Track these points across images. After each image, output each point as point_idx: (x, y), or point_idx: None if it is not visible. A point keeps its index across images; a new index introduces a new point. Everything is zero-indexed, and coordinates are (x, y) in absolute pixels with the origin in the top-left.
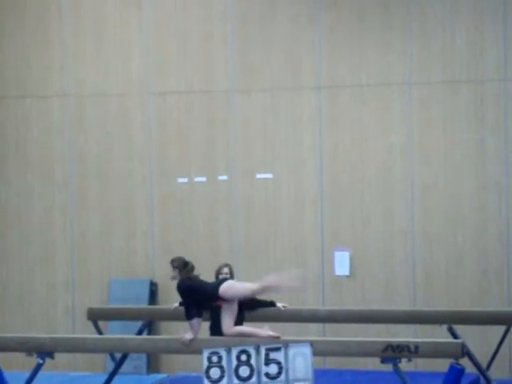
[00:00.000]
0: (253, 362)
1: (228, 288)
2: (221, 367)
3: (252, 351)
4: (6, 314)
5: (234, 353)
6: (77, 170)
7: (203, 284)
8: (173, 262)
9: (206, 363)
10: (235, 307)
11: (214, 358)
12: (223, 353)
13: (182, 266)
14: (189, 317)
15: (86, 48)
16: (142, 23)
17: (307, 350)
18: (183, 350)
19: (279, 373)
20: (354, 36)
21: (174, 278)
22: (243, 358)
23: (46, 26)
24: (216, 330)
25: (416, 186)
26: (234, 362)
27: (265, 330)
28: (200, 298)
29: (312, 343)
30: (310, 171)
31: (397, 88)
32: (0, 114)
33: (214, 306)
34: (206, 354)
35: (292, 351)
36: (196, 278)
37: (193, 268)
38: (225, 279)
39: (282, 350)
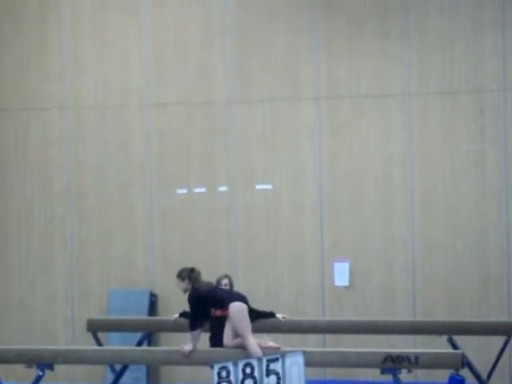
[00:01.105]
0: (256, 374)
1: (238, 314)
2: (229, 382)
3: (255, 363)
4: (6, 326)
5: (240, 366)
6: (76, 181)
7: (216, 290)
8: (179, 274)
9: (216, 379)
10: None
11: (223, 373)
12: (231, 367)
13: (190, 274)
14: (192, 327)
15: (84, 59)
16: (141, 34)
17: (300, 359)
18: (183, 361)
19: (278, 383)
20: (353, 46)
21: (186, 290)
22: (248, 370)
23: (45, 38)
24: (216, 341)
25: (415, 196)
26: (240, 376)
27: (265, 340)
28: (209, 304)
29: (304, 352)
30: (310, 181)
31: (396, 98)
32: None
33: (213, 317)
34: (216, 369)
35: (288, 361)
36: (207, 285)
37: (199, 272)
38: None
39: (280, 361)
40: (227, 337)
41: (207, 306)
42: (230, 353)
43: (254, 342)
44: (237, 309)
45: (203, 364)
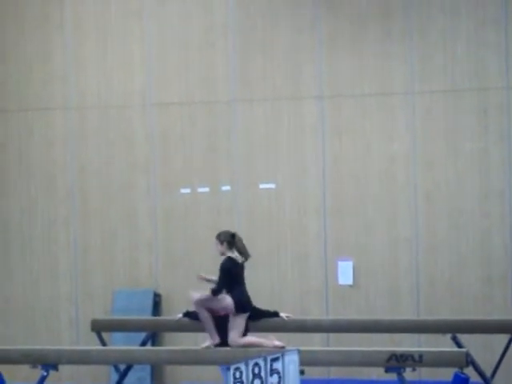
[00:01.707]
0: (262, 373)
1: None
2: (241, 382)
3: (261, 363)
4: (10, 327)
5: (250, 366)
6: (79, 182)
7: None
8: (219, 236)
9: (231, 380)
10: (242, 320)
11: (237, 374)
12: (243, 367)
13: (230, 239)
14: (216, 293)
15: (87, 60)
16: (143, 35)
17: (296, 358)
18: (187, 360)
19: (279, 382)
20: (356, 45)
21: (222, 253)
22: (256, 370)
23: (48, 39)
24: (226, 339)
25: (419, 195)
26: (250, 376)
27: (270, 339)
28: (236, 280)
29: (299, 351)
30: (313, 181)
31: (399, 97)
32: (2, 128)
33: (217, 316)
34: (231, 370)
35: (287, 359)
36: (241, 267)
37: (241, 239)
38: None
39: (281, 360)
40: (234, 336)
41: (234, 280)
42: (233, 352)
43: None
44: (225, 305)
45: (207, 364)
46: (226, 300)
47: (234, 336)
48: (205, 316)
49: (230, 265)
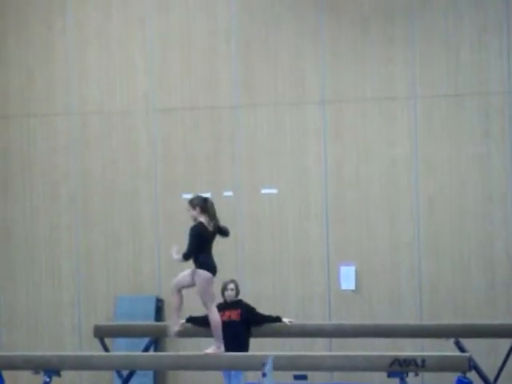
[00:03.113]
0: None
1: (204, 282)
2: None
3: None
4: (13, 332)
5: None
6: (82, 187)
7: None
8: (191, 201)
9: None
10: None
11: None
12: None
13: (202, 204)
14: (187, 257)
15: (90, 66)
16: (146, 40)
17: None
18: (190, 366)
19: None
20: (358, 50)
21: (195, 218)
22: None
23: (50, 44)
24: (228, 345)
25: (421, 199)
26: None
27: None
28: (207, 243)
29: (273, 358)
30: (315, 185)
31: (401, 101)
32: (5, 133)
33: (224, 322)
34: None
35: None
36: (212, 231)
37: (212, 204)
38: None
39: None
40: (210, 303)
41: (202, 245)
42: (237, 358)
43: (215, 309)
44: (203, 278)
45: (210, 369)
46: (203, 277)
47: (208, 300)
48: (216, 324)
49: (200, 229)
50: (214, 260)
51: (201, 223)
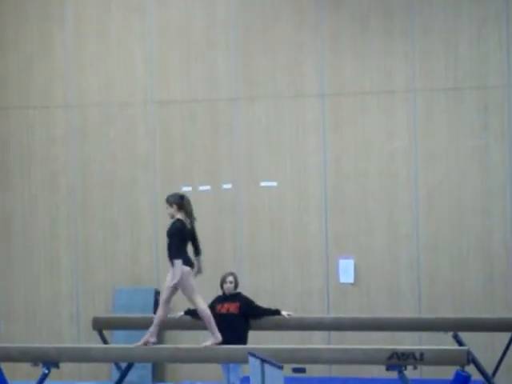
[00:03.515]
0: None
1: (183, 281)
2: None
3: None
4: (11, 324)
5: None
6: (81, 179)
7: (194, 234)
8: (168, 199)
9: None
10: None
11: None
12: None
13: (179, 201)
14: (177, 256)
15: (88, 57)
16: (145, 32)
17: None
18: (188, 359)
19: None
20: (357, 43)
21: (173, 216)
22: None
23: (49, 36)
24: (226, 338)
25: (420, 192)
26: None
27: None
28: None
29: (249, 352)
30: (314, 178)
31: (400, 95)
32: (3, 125)
33: (219, 314)
34: None
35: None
36: (190, 228)
37: (189, 201)
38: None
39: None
40: (190, 293)
41: (179, 240)
42: (235, 350)
43: (200, 300)
44: (182, 272)
45: (209, 362)
46: (183, 272)
47: (190, 293)
48: (205, 314)
49: (180, 226)
50: (190, 256)
51: (179, 220)
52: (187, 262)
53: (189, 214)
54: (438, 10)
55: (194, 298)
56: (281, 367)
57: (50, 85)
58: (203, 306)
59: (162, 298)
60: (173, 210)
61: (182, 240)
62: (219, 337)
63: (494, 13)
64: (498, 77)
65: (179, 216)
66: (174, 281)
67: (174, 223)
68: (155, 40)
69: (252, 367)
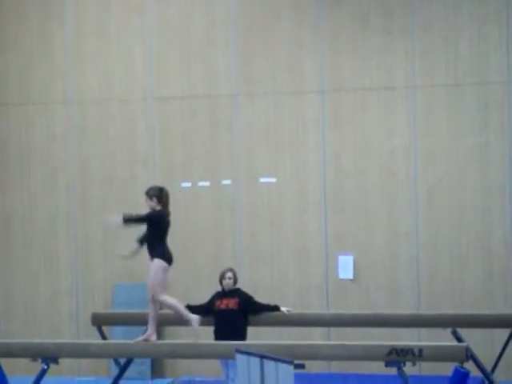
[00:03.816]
0: None
1: (155, 269)
2: None
3: None
4: (11, 320)
5: None
6: (80, 176)
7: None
8: (148, 192)
9: None
10: (165, 273)
11: None
12: None
13: (159, 193)
14: (126, 221)
15: (88, 54)
16: (144, 29)
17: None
18: (187, 354)
19: None
20: (357, 40)
21: (153, 208)
22: None
23: (49, 33)
24: (220, 334)
25: (420, 190)
26: None
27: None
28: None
29: (236, 349)
30: (314, 175)
31: (400, 91)
32: (3, 122)
33: (218, 310)
34: None
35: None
36: (167, 218)
37: (167, 194)
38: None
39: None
40: (157, 288)
41: (163, 232)
42: (233, 346)
43: (166, 297)
44: (158, 266)
45: (208, 357)
46: (158, 265)
47: (157, 289)
48: (170, 302)
49: (161, 215)
50: (170, 249)
51: (160, 210)
52: (165, 257)
53: (165, 205)
54: (438, 8)
55: (159, 297)
56: (292, 363)
57: (50, 82)
58: (171, 301)
59: (150, 297)
60: (153, 203)
61: (161, 229)
62: (154, 336)
63: (495, 10)
64: (498, 74)
65: (159, 208)
66: (154, 283)
67: (155, 211)
68: (155, 37)
69: (242, 364)
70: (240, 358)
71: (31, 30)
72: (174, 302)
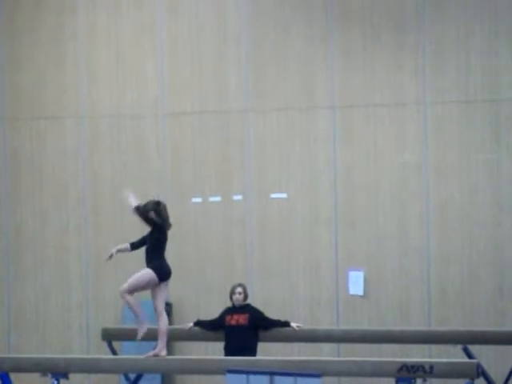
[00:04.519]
0: None
1: (142, 274)
2: None
3: None
4: (21, 335)
5: None
6: (91, 191)
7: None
8: (145, 207)
9: None
10: (165, 288)
11: None
12: None
13: (156, 207)
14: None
15: (100, 69)
16: (156, 45)
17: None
18: (198, 370)
19: None
20: (368, 56)
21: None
22: None
23: (61, 48)
24: (231, 350)
25: (431, 206)
26: None
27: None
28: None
29: (228, 370)
30: (325, 190)
31: (411, 108)
32: (15, 136)
33: (228, 326)
34: None
35: None
36: (166, 237)
37: (165, 207)
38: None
39: None
40: (159, 304)
41: (161, 245)
42: (243, 362)
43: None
44: (149, 278)
45: (217, 373)
46: (148, 274)
47: (160, 304)
48: (131, 301)
49: (165, 227)
50: (168, 263)
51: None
52: (162, 272)
53: (165, 219)
54: (450, 24)
55: (126, 295)
56: (320, 376)
57: (62, 96)
58: (133, 302)
59: (158, 309)
60: (153, 217)
61: (162, 242)
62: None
63: (506, 26)
64: (510, 90)
65: (158, 222)
66: (132, 282)
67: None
68: (166, 52)
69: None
70: (233, 378)
71: (44, 45)
72: (136, 304)
